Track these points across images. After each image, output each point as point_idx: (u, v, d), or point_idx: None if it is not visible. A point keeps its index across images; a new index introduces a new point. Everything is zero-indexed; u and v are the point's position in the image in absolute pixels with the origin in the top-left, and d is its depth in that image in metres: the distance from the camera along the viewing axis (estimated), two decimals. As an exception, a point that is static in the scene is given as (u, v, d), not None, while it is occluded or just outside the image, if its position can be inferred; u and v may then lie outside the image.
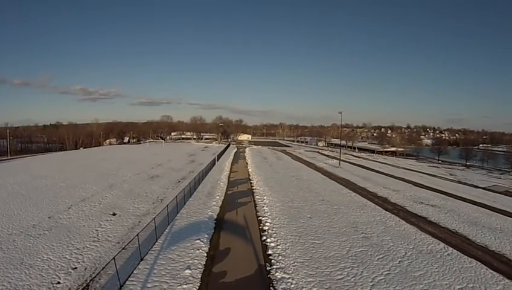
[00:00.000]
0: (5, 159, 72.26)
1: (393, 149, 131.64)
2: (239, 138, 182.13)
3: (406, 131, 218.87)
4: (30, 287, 14.00)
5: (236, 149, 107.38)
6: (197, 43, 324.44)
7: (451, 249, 19.32)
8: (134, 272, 15.43)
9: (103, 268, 14.64)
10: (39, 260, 16.87)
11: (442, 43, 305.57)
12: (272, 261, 17.12)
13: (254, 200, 31.41)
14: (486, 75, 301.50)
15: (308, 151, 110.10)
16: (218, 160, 67.25)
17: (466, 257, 18.14)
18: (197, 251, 17.96)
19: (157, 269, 15.85)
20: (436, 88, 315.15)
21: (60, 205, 28.19)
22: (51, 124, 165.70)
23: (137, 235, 17.19)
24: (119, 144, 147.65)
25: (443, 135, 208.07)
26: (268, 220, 24.23)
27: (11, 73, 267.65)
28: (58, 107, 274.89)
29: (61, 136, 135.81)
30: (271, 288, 14.32)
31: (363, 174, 54.75)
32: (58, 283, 14.55)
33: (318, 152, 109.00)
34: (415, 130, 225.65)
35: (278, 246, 19.03)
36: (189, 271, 15.56)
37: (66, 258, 17.31)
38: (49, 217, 24.59)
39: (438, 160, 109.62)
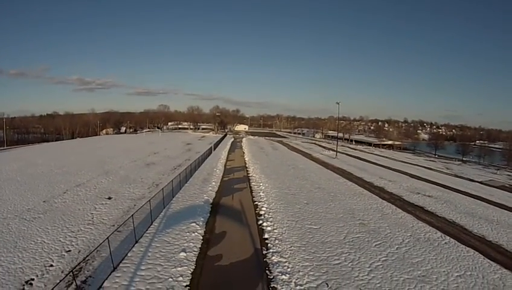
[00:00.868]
0: (1, 149, 71.25)
1: (390, 142, 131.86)
2: (236, 129, 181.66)
3: (403, 125, 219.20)
4: (23, 270, 13.71)
5: (233, 139, 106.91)
6: (194, 34, 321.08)
7: (448, 238, 19.21)
8: (129, 254, 15.13)
9: (96, 249, 14.32)
10: (33, 243, 16.56)
11: (440, 39, 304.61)
12: (269, 245, 16.90)
13: (250, 187, 31.16)
14: (484, 73, 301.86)
15: (305, 143, 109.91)
16: (214, 149, 66.84)
17: (463, 246, 18.04)
18: (193, 234, 17.69)
19: (151, 251, 15.56)
20: (434, 84, 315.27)
21: (55, 190, 27.81)
22: (47, 114, 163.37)
23: (131, 216, 16.85)
24: (116, 133, 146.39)
25: (440, 130, 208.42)
26: (265, 205, 24.00)
27: (7, 63, 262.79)
28: (55, 97, 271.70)
29: (57, 126, 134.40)
30: (267, 271, 14.09)
31: (359, 165, 54.65)
32: (51, 265, 14.27)
33: (315, 143, 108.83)
34: (412, 124, 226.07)
35: (275, 230, 18.81)
36: (184, 254, 15.29)
37: (60, 241, 17.00)
38: (44, 201, 24.23)
39: (435, 154, 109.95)
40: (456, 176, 55.87)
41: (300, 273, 13.75)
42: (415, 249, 16.99)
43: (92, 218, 20.83)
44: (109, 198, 25.61)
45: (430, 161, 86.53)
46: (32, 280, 12.95)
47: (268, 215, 21.78)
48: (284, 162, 51.84)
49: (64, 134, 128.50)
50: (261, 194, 27.70)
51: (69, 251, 15.86)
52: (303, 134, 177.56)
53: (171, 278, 13.07)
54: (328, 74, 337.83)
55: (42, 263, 14.37)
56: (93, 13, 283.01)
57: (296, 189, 30.46)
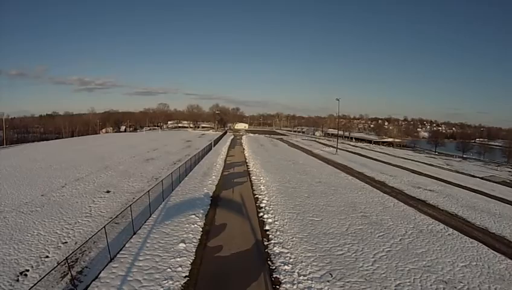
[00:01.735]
0: (0, 147, 70.82)
1: (390, 140, 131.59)
2: (236, 127, 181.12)
3: (403, 123, 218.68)
4: (17, 261, 13.46)
5: (233, 136, 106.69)
6: (193, 34, 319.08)
7: (451, 229, 18.92)
8: (126, 245, 14.83)
9: (91, 238, 13.97)
10: (29, 235, 16.29)
11: (440, 38, 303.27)
12: (270, 236, 16.58)
13: (251, 181, 30.84)
14: (485, 71, 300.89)
15: (305, 140, 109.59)
16: (214, 145, 66.49)
17: (467, 237, 17.75)
18: (192, 226, 17.38)
19: (150, 242, 15.25)
20: (434, 83, 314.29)
21: (54, 184, 27.52)
22: (47, 114, 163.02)
23: (129, 206, 16.55)
24: (116, 132, 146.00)
25: (440, 128, 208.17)
26: (265, 198, 23.69)
27: (7, 64, 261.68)
28: (55, 97, 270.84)
29: (57, 126, 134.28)
30: (269, 262, 13.77)
31: (360, 161, 54.35)
32: (47, 257, 14.00)
33: (315, 141, 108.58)
34: (412, 122, 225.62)
35: (276, 222, 18.49)
36: (184, 245, 14.97)
37: (56, 233, 16.72)
38: (42, 195, 23.95)
39: (435, 151, 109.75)
40: (457, 172, 55.57)
41: (303, 263, 13.44)
42: (418, 240, 16.70)
43: (90, 211, 20.51)
44: (108, 191, 25.29)
45: (431, 157, 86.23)
46: (27, 271, 12.65)
47: (269, 207, 21.46)
48: (284, 157, 51.52)
49: (63, 133, 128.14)
50: (261, 187, 27.38)
51: (66, 242, 15.57)
52: (303, 132, 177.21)
53: (170, 268, 12.76)
54: (327, 73, 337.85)
55: (38, 255, 14.10)
56: (92, 13, 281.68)
57: (297, 183, 30.14)
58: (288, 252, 14.51)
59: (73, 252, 12.92)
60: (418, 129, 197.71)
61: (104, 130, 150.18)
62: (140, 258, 13.54)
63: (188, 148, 61.77)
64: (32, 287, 10.01)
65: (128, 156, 47.59)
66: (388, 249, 15.37)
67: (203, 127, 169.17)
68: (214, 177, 31.31)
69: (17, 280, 11.91)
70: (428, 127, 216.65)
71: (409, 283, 12.03)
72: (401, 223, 19.56)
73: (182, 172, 30.46)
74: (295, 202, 23.08)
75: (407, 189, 30.68)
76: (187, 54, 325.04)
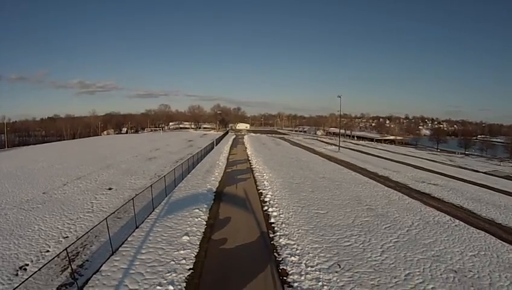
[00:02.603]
0: (1, 149, 70.86)
1: (392, 138, 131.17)
2: (237, 127, 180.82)
3: (405, 121, 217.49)
4: (17, 255, 13.28)
5: (234, 136, 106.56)
6: (194, 36, 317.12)
7: (457, 221, 18.65)
8: (129, 239, 14.64)
9: (93, 228, 13.76)
10: (30, 230, 16.14)
11: (440, 36, 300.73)
12: (275, 228, 16.36)
13: (254, 177, 30.63)
14: (485, 68, 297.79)
15: (307, 139, 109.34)
16: (216, 144, 66.34)
17: (474, 228, 17.48)
18: (196, 219, 17.17)
19: (153, 235, 15.05)
20: (435, 80, 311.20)
21: (55, 183, 27.42)
22: (48, 118, 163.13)
23: (132, 199, 16.34)
24: (117, 134, 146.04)
25: (441, 125, 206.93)
26: (269, 193, 23.47)
27: (7, 69, 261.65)
28: (56, 101, 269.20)
29: (58, 129, 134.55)
30: (275, 254, 13.54)
31: (362, 158, 54.09)
32: (47, 251, 13.80)
33: (317, 140, 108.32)
34: (413, 120, 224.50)
35: (281, 215, 18.26)
36: (187, 237, 14.76)
37: (58, 228, 16.57)
38: (43, 193, 23.84)
39: (437, 148, 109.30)
40: (460, 167, 55.32)
41: (310, 254, 13.20)
42: (425, 231, 16.45)
43: (92, 207, 20.35)
44: (110, 189, 25.13)
45: (433, 154, 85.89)
46: (27, 265, 12.45)
47: (274, 201, 21.24)
48: (287, 155, 51.31)
49: (65, 136, 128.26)
50: (265, 183, 27.15)
51: (67, 237, 15.38)
52: (304, 131, 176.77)
53: (173, 261, 12.53)
54: (328, 73, 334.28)
55: (38, 249, 13.92)
56: (92, 17, 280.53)
57: (301, 179, 29.90)
58: (294, 244, 14.27)
59: (73, 243, 12.64)
60: (420, 127, 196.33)
61: (105, 132, 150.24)
62: (143, 251, 13.33)
63: (190, 148, 61.60)
64: (27, 278, 9.79)
65: (130, 155, 47.48)
66: (395, 239, 15.12)
67: (204, 128, 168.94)
68: (216, 174, 31.11)
69: (16, 275, 11.68)
70: (429, 124, 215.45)
71: (418, 273, 11.78)
72: (407, 215, 19.32)
73: (184, 170, 30.29)
74: (299, 196, 22.85)
75: (411, 183, 30.42)
76: (187, 56, 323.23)
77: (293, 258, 12.86)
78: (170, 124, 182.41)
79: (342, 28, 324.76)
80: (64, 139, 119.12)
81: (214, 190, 24.56)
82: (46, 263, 10.64)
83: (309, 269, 11.96)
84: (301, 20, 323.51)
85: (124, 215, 17.42)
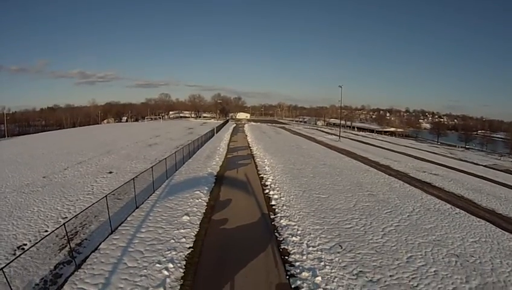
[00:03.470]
0: (1, 138, 70.55)
1: (392, 129, 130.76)
2: (237, 117, 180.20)
3: (405, 114, 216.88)
4: (16, 236, 13.21)
5: (235, 124, 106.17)
6: (195, 26, 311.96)
7: (458, 209, 18.56)
8: (128, 218, 14.61)
9: (92, 205, 13.68)
10: (29, 212, 16.09)
11: (441, 30, 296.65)
12: (276, 210, 16.32)
13: (255, 162, 30.52)
14: (487, 64, 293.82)
15: (307, 129, 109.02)
16: (217, 132, 66.09)
17: (474, 216, 17.37)
18: (196, 200, 17.10)
19: (152, 215, 15.01)
20: (436, 74, 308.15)
21: (56, 167, 27.31)
22: (48, 108, 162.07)
23: (132, 179, 16.24)
24: (117, 122, 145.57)
25: (442, 119, 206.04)
26: (270, 177, 23.39)
27: (7, 59, 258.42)
28: (57, 91, 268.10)
29: (58, 118, 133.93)
30: (276, 234, 13.49)
31: (363, 147, 53.91)
32: (46, 231, 13.70)
33: (317, 129, 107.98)
34: (413, 114, 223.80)
35: (282, 198, 18.21)
36: (188, 217, 14.69)
37: (57, 209, 16.52)
38: (43, 177, 23.73)
39: (437, 142, 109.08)
40: (460, 160, 55.12)
41: (312, 235, 13.15)
42: (426, 217, 16.39)
43: (92, 189, 20.28)
44: (110, 172, 25.05)
45: (433, 147, 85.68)
46: (25, 245, 12.37)
47: (275, 185, 21.18)
48: (288, 143, 51.18)
49: (65, 125, 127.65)
50: (266, 168, 27.05)
51: (66, 217, 15.25)
52: (305, 122, 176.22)
53: (173, 239, 12.47)
54: (329, 65, 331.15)
55: (37, 229, 13.86)
56: (93, 7, 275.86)
57: (302, 165, 29.79)
58: (295, 225, 14.22)
59: (71, 218, 12.55)
60: (420, 120, 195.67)
61: (105, 121, 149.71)
62: (143, 230, 13.28)
63: (190, 135, 61.39)
64: (23, 252, 9.73)
65: (130, 142, 47.28)
66: (397, 224, 15.07)
67: (204, 117, 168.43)
68: (217, 159, 31.00)
69: (14, 254, 11.56)
70: (430, 118, 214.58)
71: (420, 256, 11.73)
72: (408, 201, 19.25)
73: (185, 155, 30.16)
74: (301, 181, 22.76)
75: (412, 172, 30.31)
76: (188, 46, 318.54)
77: (294, 238, 12.80)
78: (170, 113, 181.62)
79: (343, 21, 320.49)
80: (64, 129, 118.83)
81: (215, 173, 24.47)
82: (42, 239, 10.55)
83: (310, 249, 11.91)
84: (302, 12, 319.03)
85: (124, 196, 17.36)
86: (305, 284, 9.62)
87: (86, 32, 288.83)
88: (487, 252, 12.57)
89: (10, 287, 8.17)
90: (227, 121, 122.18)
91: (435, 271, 10.55)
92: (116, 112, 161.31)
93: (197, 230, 13.66)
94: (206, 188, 19.77)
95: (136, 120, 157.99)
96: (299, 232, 13.45)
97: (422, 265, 10.95)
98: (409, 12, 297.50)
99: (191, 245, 12.23)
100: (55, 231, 12.84)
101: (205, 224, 14.50)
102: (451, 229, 14.95)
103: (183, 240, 12.47)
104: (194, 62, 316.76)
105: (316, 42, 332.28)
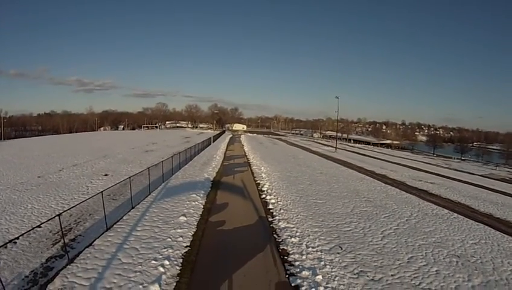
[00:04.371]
0: None
1: (388, 142, 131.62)
2: (234, 128, 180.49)
3: (401, 127, 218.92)
4: (8, 230, 13.01)
5: (231, 135, 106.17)
6: (193, 37, 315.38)
7: (456, 214, 18.54)
8: (124, 217, 14.36)
9: (88, 199, 13.42)
10: (22, 208, 15.86)
11: (436, 42, 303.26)
12: (274, 213, 16.11)
13: (251, 170, 30.34)
14: (482, 76, 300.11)
15: (303, 140, 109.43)
16: (213, 141, 65.99)
17: (472, 221, 17.37)
18: (193, 203, 16.85)
19: (149, 215, 14.76)
20: (432, 88, 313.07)
21: (51, 168, 27.05)
22: (45, 113, 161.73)
23: (129, 178, 16.03)
24: (114, 130, 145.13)
25: (438, 132, 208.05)
26: (267, 183, 23.19)
27: (7, 64, 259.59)
28: (54, 98, 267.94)
29: (55, 124, 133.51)
30: (275, 235, 13.26)
31: (359, 158, 54.07)
32: (39, 227, 13.33)
33: (313, 141, 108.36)
34: (409, 126, 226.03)
35: (279, 202, 18.01)
36: (184, 218, 14.45)
37: (51, 207, 16.26)
38: (38, 177, 23.48)
39: (433, 153, 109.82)
40: (456, 170, 55.45)
41: (311, 237, 12.95)
42: (425, 221, 16.30)
43: (87, 190, 19.98)
44: (106, 175, 24.78)
45: (429, 158, 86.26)
46: (17, 238, 12.01)
47: (271, 191, 20.99)
48: (284, 153, 51.17)
49: (61, 131, 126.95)
50: (262, 175, 26.88)
51: (60, 214, 14.91)
52: (301, 134, 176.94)
53: (170, 238, 12.21)
54: (325, 78, 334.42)
55: (30, 225, 13.51)
56: (92, 15, 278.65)
57: (298, 173, 29.67)
58: (294, 227, 14.01)
59: (66, 211, 12.26)
60: (416, 133, 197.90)
61: (102, 129, 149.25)
62: (139, 229, 13.01)
63: (187, 143, 61.04)
64: (13, 239, 9.80)
65: (127, 147, 47.05)
66: (396, 227, 14.94)
67: (201, 128, 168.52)
68: (214, 166, 30.79)
69: (6, 247, 11.23)
70: (426, 131, 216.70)
71: (421, 256, 11.58)
72: (405, 207, 19.17)
73: (181, 161, 29.95)
74: (297, 188, 22.60)
75: (409, 181, 30.35)
76: (186, 57, 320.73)
77: (293, 239, 12.59)
78: (167, 122, 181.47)
79: (339, 33, 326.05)
80: (60, 134, 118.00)
81: (211, 179, 24.24)
82: (37, 226, 10.30)
83: (310, 249, 11.70)
84: (298, 25, 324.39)
85: (119, 197, 17.16)
86: (305, 283, 9.38)
87: (84, 40, 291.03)
88: (488, 253, 12.50)
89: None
90: (223, 132, 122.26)
91: (436, 270, 10.39)
92: (113, 120, 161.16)
93: (194, 230, 13.39)
94: (203, 191, 19.54)
95: (133, 129, 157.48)
96: (298, 233, 13.24)
97: (424, 265, 10.80)
98: (404, 24, 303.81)
99: (188, 244, 11.96)
100: (49, 222, 12.57)
101: (202, 225, 14.23)
102: (450, 232, 14.88)
103: (180, 239, 12.21)
104: (192, 73, 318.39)
105: (311, 55, 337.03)
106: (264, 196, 19.81)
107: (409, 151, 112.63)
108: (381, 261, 10.94)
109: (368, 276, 9.82)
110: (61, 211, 14.68)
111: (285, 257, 11.19)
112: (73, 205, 13.41)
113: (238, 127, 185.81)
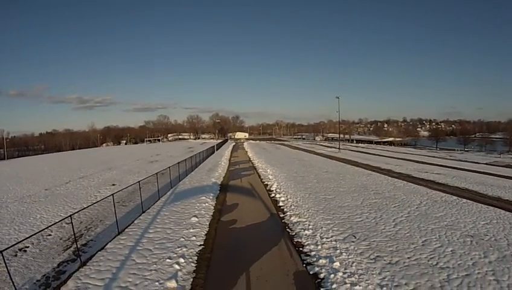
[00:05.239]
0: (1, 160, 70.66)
1: (390, 139, 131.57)
2: (236, 136, 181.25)
3: (403, 124, 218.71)
4: (18, 239, 13.00)
5: (234, 143, 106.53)
6: (191, 47, 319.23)
7: (465, 199, 18.47)
8: (135, 221, 14.52)
9: (98, 201, 13.66)
10: (31, 218, 16.15)
11: (436, 38, 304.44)
12: (285, 210, 16.21)
13: (257, 173, 30.51)
14: (482, 68, 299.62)
15: (306, 144, 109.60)
16: (217, 149, 66.29)
17: (482, 204, 17.32)
18: (204, 205, 16.98)
19: (160, 218, 14.91)
20: (431, 82, 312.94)
21: (57, 181, 27.40)
22: (47, 132, 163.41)
23: (138, 182, 16.22)
24: (117, 145, 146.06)
25: (439, 126, 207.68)
26: (275, 184, 23.31)
27: (6, 84, 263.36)
28: (55, 116, 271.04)
29: (58, 143, 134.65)
30: (288, 230, 13.34)
31: (363, 156, 53.99)
32: (49, 235, 13.61)
33: (316, 144, 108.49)
34: (411, 123, 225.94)
35: (289, 200, 18.12)
36: (196, 219, 14.56)
37: (60, 215, 16.51)
38: (46, 189, 23.80)
39: (436, 147, 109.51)
40: (461, 160, 55.19)
41: (324, 229, 13.00)
42: (435, 207, 16.32)
43: (96, 198, 20.17)
44: (113, 185, 25.09)
45: (433, 152, 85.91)
46: (27, 247, 12.23)
47: (280, 190, 21.12)
48: (288, 156, 51.40)
49: (64, 149, 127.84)
50: (269, 177, 27.02)
51: (69, 223, 15.07)
52: (303, 138, 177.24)
53: (183, 238, 12.29)
54: (325, 81, 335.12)
55: (39, 233, 13.60)
56: (90, 34, 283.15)
57: (304, 173, 29.75)
58: (306, 221, 14.08)
59: (78, 211, 12.46)
60: (418, 129, 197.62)
61: (104, 144, 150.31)
62: (151, 231, 13.12)
63: (191, 153, 61.23)
64: (22, 240, 9.70)
65: (131, 160, 47.45)
66: (407, 215, 14.97)
67: (203, 138, 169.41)
68: (220, 171, 31.01)
69: (16, 255, 11.43)
70: (427, 126, 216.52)
71: (435, 239, 11.60)
72: (414, 196, 19.18)
73: (187, 168, 30.16)
74: (305, 186, 22.68)
75: (414, 173, 30.32)
76: (185, 69, 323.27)
77: (306, 231, 12.66)
78: (169, 135, 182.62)
79: (337, 33, 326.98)
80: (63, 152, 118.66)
81: (219, 183, 24.44)
82: (52, 225, 10.39)
83: (324, 239, 11.76)
84: (296, 28, 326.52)
85: (129, 203, 17.38)
86: (323, 270, 9.44)
87: (83, 57, 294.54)
88: (500, 231, 12.50)
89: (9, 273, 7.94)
90: (226, 140, 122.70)
91: (451, 250, 10.42)
92: (115, 135, 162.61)
93: (207, 230, 13.50)
94: (212, 194, 19.68)
95: (135, 143, 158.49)
96: (310, 226, 13.31)
97: (439, 246, 10.82)
98: (402, 22, 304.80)
99: (202, 243, 12.05)
100: (59, 230, 12.75)
101: (214, 224, 14.36)
102: (461, 215, 14.90)
103: (194, 238, 12.30)
104: (192, 85, 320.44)
105: (310, 59, 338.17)
106: (273, 195, 19.93)
107: (412, 147, 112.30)
108: (396, 246, 10.98)
109: (384, 260, 9.86)
110: (70, 221, 15.12)
111: (301, 249, 11.26)
112: (85, 206, 13.56)
113: (240, 135, 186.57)
